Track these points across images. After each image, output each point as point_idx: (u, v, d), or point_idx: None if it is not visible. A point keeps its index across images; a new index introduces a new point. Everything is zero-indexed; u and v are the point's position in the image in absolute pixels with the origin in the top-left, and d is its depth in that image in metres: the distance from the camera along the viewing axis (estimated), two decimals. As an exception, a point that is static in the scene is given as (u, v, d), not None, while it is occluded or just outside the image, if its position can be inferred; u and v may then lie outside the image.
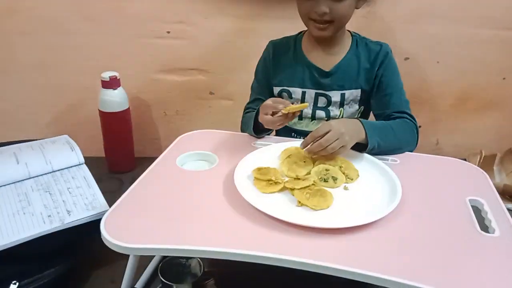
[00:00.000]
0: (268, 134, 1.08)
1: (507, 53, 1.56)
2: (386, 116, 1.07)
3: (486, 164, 1.61)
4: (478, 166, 1.56)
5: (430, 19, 1.48)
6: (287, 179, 0.83)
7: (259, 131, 1.04)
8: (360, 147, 0.94)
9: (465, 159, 1.67)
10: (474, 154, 1.65)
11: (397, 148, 1.00)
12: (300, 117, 1.14)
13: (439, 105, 1.64)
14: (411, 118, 1.06)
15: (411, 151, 1.02)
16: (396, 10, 1.46)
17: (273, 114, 0.93)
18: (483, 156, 1.62)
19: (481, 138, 1.70)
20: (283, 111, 0.90)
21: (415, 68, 1.56)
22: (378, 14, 1.46)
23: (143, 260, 0.94)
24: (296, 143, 0.97)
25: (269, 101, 0.95)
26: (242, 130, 1.14)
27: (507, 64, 1.57)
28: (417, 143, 1.06)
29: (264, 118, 0.95)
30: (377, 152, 0.95)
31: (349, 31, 1.12)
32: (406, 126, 1.04)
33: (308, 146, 0.89)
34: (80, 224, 0.92)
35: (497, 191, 0.85)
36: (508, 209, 0.80)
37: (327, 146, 0.86)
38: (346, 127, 0.89)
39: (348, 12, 1.01)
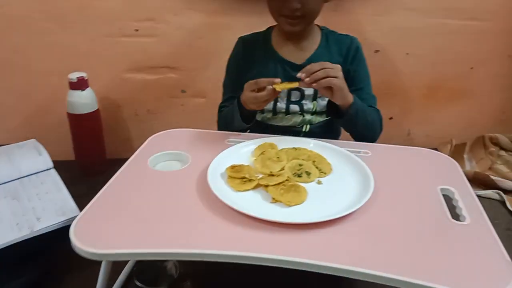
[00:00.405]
0: (249, 127, 1.07)
1: (474, 43, 1.59)
2: None
3: (457, 152, 1.65)
4: (449, 155, 1.60)
5: (399, 11, 1.50)
6: (261, 176, 0.83)
7: (246, 119, 1.03)
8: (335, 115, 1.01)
9: (436, 149, 1.70)
10: (445, 143, 1.69)
11: (366, 128, 1.03)
12: (274, 112, 1.13)
13: (410, 96, 1.66)
14: (379, 113, 1.09)
15: (373, 141, 1.03)
16: (364, 3, 1.47)
17: (258, 91, 0.92)
18: (453, 144, 1.66)
19: (452, 127, 1.74)
20: (276, 88, 0.90)
21: (385, 60, 1.58)
22: (347, 7, 1.46)
23: (117, 265, 0.92)
24: (270, 139, 0.96)
25: (252, 80, 0.95)
26: (221, 129, 1.13)
27: (475, 54, 1.61)
28: (378, 136, 1.09)
29: (249, 95, 0.94)
30: (350, 124, 1.01)
31: (317, 25, 1.12)
32: (377, 115, 1.08)
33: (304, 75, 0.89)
34: (51, 231, 0.90)
35: (468, 178, 0.86)
36: (479, 196, 0.81)
37: (328, 74, 0.88)
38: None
39: (319, 7, 1.02)
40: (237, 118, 1.03)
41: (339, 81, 0.90)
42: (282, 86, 0.90)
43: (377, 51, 1.55)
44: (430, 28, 1.55)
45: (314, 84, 0.89)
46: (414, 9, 1.51)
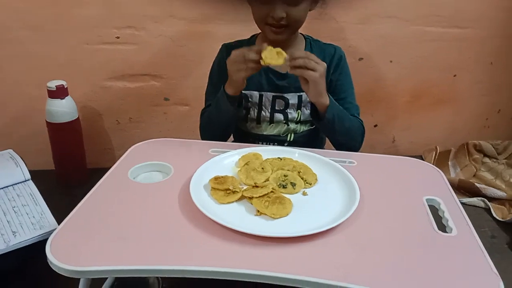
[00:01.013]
0: (239, 105, 1.06)
1: (456, 51, 1.61)
2: None
3: (441, 159, 1.66)
4: (433, 162, 1.61)
5: (381, 19, 1.51)
6: (245, 187, 0.81)
7: (232, 101, 1.02)
8: (316, 118, 1.02)
9: (421, 156, 1.71)
10: (429, 150, 1.70)
11: (344, 135, 1.04)
12: (258, 121, 1.12)
13: (394, 103, 1.67)
14: (361, 123, 1.09)
15: (354, 150, 1.03)
16: (348, 12, 1.47)
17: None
18: (438, 152, 1.67)
19: (436, 133, 1.75)
20: (262, 63, 0.92)
21: (369, 67, 1.58)
22: (331, 15, 1.47)
23: (96, 281, 0.89)
24: (254, 149, 0.95)
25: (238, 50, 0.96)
26: (205, 134, 1.12)
27: (457, 61, 1.63)
28: (360, 146, 1.09)
29: (236, 53, 0.95)
30: (328, 129, 1.02)
31: (301, 34, 1.12)
32: (358, 124, 1.08)
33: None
34: (27, 246, 0.87)
35: (453, 186, 0.86)
36: (464, 204, 0.81)
37: (307, 65, 0.90)
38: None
39: (304, 16, 1.01)
40: (223, 102, 1.01)
41: (315, 75, 0.91)
42: (268, 61, 0.92)
43: (361, 59, 1.56)
44: (413, 36, 1.56)
45: (292, 70, 0.92)
46: (396, 17, 1.52)
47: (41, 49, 1.41)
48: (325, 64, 0.93)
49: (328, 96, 0.98)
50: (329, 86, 1.09)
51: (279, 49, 0.93)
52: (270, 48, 0.93)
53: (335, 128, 1.00)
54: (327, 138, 1.24)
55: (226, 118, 1.05)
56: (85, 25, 1.39)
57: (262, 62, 0.92)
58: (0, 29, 1.37)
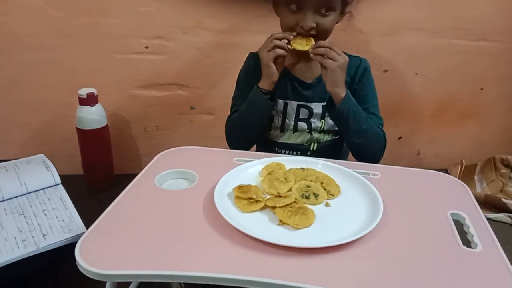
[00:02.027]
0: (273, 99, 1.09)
1: (483, 64, 1.59)
2: None
3: (467, 173, 1.63)
4: (459, 176, 1.59)
5: (407, 31, 1.50)
6: (268, 196, 0.82)
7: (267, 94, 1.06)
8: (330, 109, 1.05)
9: (446, 169, 1.68)
10: (455, 164, 1.67)
11: (359, 136, 1.04)
12: (282, 129, 1.13)
13: (419, 115, 1.65)
14: (384, 134, 1.10)
15: (374, 160, 1.02)
16: (373, 24, 1.47)
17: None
18: (463, 166, 1.64)
19: (462, 147, 1.72)
20: (289, 47, 1.00)
21: (394, 80, 1.57)
22: (356, 27, 1.47)
23: (122, 284, 0.91)
24: (277, 159, 0.96)
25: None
26: (232, 137, 1.15)
27: (484, 74, 1.60)
28: (380, 156, 1.09)
29: (265, 42, 1.01)
30: (342, 123, 1.04)
31: None
32: (378, 132, 1.08)
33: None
34: (56, 248, 0.89)
35: (478, 201, 0.85)
36: (490, 219, 0.80)
37: (328, 54, 0.97)
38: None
39: (332, 27, 1.02)
40: (257, 96, 1.05)
41: (333, 64, 0.96)
42: (295, 45, 1.00)
43: (385, 70, 1.55)
44: (439, 48, 1.54)
45: (313, 56, 0.99)
46: (423, 30, 1.51)
47: (73, 57, 1.46)
48: (346, 58, 0.99)
49: (346, 91, 1.01)
50: (352, 96, 1.09)
51: (309, 38, 1.00)
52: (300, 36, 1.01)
53: (349, 125, 1.02)
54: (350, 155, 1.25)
55: (259, 116, 1.08)
56: (115, 34, 1.43)
57: (289, 46, 1.00)
58: (35, 37, 1.42)
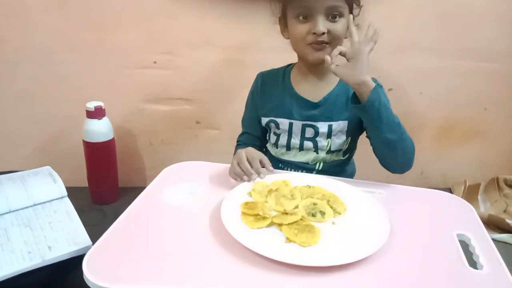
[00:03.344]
0: None
1: (487, 84, 1.60)
2: None
3: (471, 193, 1.63)
4: (462, 195, 1.59)
5: (412, 51, 1.52)
6: (275, 213, 0.82)
7: None
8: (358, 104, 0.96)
9: (450, 189, 1.68)
10: (458, 183, 1.67)
11: (395, 131, 0.97)
12: (288, 148, 1.14)
13: (423, 135, 1.66)
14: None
15: (408, 165, 1.02)
16: (379, 42, 1.48)
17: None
18: (467, 185, 1.64)
19: (465, 167, 1.72)
20: (251, 192, 0.91)
21: (399, 98, 1.58)
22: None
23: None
24: (284, 175, 0.96)
25: (244, 157, 0.97)
26: None
27: (488, 94, 1.62)
28: (412, 163, 1.04)
29: (233, 169, 0.97)
30: (374, 117, 0.95)
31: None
32: (409, 137, 1.02)
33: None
34: (61, 260, 0.90)
35: (482, 221, 0.85)
36: (494, 240, 0.80)
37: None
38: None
39: (343, 34, 1.02)
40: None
41: (359, 45, 0.93)
42: (253, 194, 0.90)
43: (390, 89, 1.56)
44: (443, 68, 1.56)
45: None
46: (427, 49, 1.52)
47: (82, 71, 1.48)
48: (366, 50, 0.95)
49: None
50: None
51: (270, 189, 0.91)
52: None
53: (382, 117, 0.95)
54: (357, 169, 1.24)
55: None
56: (125, 49, 1.45)
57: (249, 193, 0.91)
58: (46, 51, 1.44)
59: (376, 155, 1.06)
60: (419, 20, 1.49)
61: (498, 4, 1.49)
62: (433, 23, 1.49)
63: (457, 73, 1.57)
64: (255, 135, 1.21)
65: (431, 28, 1.50)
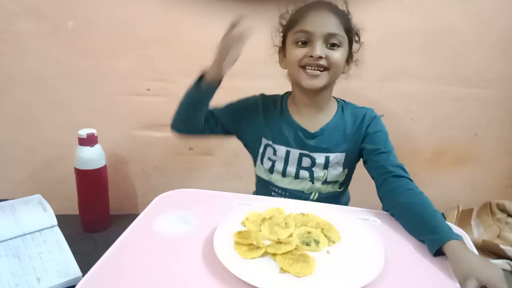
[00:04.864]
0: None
1: (477, 110, 1.63)
2: (383, 176, 1.03)
3: (464, 218, 1.63)
4: (456, 220, 1.58)
5: (403, 77, 1.54)
6: (268, 242, 0.81)
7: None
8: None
9: (442, 214, 1.68)
10: (451, 208, 1.67)
11: None
12: (284, 174, 1.12)
13: (415, 160, 1.67)
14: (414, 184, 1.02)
15: None
16: (371, 70, 1.51)
17: None
18: (460, 210, 1.64)
19: (458, 192, 1.73)
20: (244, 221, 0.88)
21: (390, 124, 1.57)
22: (353, 73, 1.50)
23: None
24: (277, 202, 0.96)
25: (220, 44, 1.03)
26: (178, 115, 1.16)
27: (479, 120, 1.64)
28: None
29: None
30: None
31: (334, 97, 1.14)
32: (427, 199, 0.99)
33: None
34: (50, 293, 0.88)
35: (477, 247, 0.85)
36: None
37: None
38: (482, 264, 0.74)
39: (341, 64, 1.03)
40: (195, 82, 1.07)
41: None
42: (247, 223, 0.88)
43: (382, 115, 1.57)
44: (434, 94, 1.58)
45: None
46: (417, 76, 1.55)
47: (74, 97, 1.48)
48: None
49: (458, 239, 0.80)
50: (362, 145, 1.09)
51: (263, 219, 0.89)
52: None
53: None
54: (351, 199, 1.24)
55: (202, 97, 1.11)
56: (118, 76, 1.46)
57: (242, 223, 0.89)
58: (38, 77, 1.45)
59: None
60: (410, 48, 1.52)
61: (488, 33, 1.52)
62: (422, 51, 1.52)
63: (448, 100, 1.59)
64: (215, 116, 1.19)
65: (421, 55, 1.53)
